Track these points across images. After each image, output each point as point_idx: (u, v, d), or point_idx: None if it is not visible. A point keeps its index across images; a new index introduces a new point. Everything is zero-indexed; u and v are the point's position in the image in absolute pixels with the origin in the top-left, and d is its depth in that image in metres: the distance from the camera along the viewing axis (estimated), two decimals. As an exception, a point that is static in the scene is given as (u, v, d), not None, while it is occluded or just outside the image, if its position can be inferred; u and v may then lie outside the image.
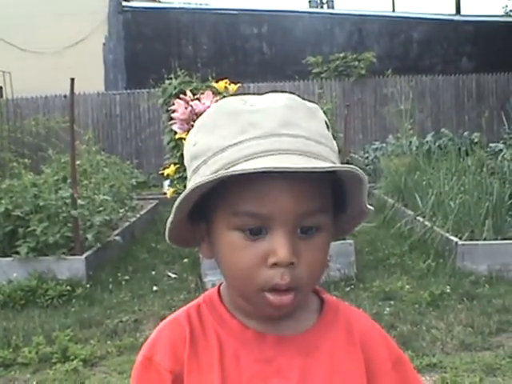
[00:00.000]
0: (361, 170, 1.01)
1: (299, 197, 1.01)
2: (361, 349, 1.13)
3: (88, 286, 6.44)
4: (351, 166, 1.01)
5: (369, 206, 1.10)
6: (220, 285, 1.18)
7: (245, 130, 1.03)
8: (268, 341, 1.10)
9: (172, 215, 1.06)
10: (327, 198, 1.06)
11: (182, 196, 1.02)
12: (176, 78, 9.43)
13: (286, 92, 1.10)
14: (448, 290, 5.95)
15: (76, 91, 7.24)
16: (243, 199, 1.02)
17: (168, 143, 8.27)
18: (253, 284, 1.03)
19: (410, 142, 11.54)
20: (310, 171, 0.98)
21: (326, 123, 1.10)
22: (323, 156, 1.03)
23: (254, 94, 1.16)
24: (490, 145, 11.55)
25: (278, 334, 1.11)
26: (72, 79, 6.83)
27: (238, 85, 5.93)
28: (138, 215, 9.75)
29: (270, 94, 1.10)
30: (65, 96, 14.87)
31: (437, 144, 11.60)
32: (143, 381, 1.12)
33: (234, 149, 1.02)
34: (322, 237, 1.06)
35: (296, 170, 0.97)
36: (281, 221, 1.01)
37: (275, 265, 1.01)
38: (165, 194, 7.97)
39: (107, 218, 7.69)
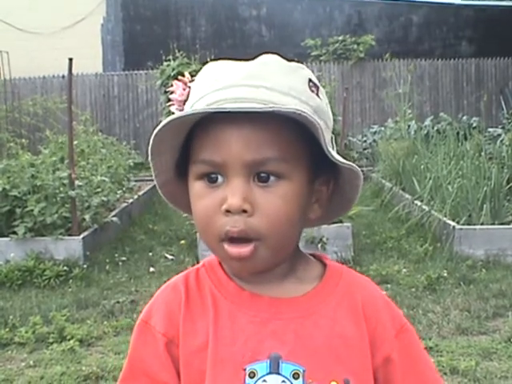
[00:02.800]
0: (308, 113, 0.99)
1: (251, 144, 1.01)
2: (363, 316, 1.12)
3: (85, 266, 6.45)
4: (296, 108, 0.99)
5: (338, 157, 1.05)
6: None
7: (210, 84, 1.05)
8: (264, 302, 1.09)
9: (153, 173, 1.10)
10: (290, 146, 1.04)
11: (149, 150, 1.06)
12: (174, 60, 9.41)
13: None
14: (445, 274, 5.97)
15: (74, 72, 7.20)
16: (201, 148, 1.04)
17: (166, 125, 8.24)
18: (211, 233, 1.04)
19: (409, 126, 11.51)
20: (243, 111, 0.98)
21: (313, 82, 1.08)
22: (285, 105, 1.01)
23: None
24: (489, 129, 11.53)
25: (275, 296, 1.10)
26: (70, 59, 6.80)
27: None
28: (136, 196, 9.75)
29: None
30: (63, 76, 14.80)
31: (435, 128, 11.55)
32: (140, 343, 1.14)
33: (198, 103, 1.05)
34: (283, 186, 1.04)
35: (230, 109, 0.98)
36: (234, 168, 1.02)
37: (228, 212, 1.01)
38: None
39: (105, 198, 7.69)
